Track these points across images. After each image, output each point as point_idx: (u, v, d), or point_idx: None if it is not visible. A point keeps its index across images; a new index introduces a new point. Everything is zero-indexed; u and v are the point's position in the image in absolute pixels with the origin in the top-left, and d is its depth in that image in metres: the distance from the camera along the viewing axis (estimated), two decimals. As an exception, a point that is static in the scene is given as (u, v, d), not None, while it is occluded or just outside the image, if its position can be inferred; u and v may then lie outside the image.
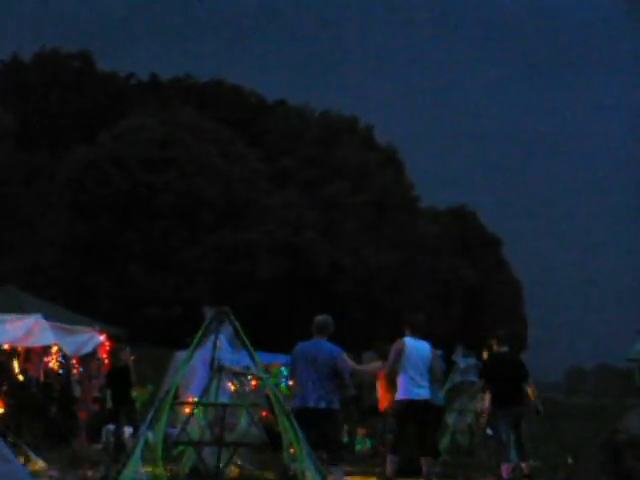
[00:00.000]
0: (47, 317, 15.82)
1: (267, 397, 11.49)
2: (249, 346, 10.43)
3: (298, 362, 10.70)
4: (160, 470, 9.80)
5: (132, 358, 16.27)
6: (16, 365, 17.23)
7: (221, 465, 10.26)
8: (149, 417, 9.94)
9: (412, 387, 11.11)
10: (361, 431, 17.50)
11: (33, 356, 17.44)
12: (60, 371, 17.54)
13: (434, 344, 12.36)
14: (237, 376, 11.59)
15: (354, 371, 13.16)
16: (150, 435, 9.73)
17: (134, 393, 16.39)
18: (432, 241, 51.87)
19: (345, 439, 17.55)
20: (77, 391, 17.52)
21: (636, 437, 13.17)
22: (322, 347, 10.93)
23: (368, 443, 17.31)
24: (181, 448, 10.98)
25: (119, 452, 12.90)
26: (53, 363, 17.35)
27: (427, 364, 11.35)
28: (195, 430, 10.66)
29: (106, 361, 17.27)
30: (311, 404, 10.64)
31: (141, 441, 9.71)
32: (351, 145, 51.55)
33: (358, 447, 17.39)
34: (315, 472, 9.60)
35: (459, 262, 54.45)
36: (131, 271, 41.67)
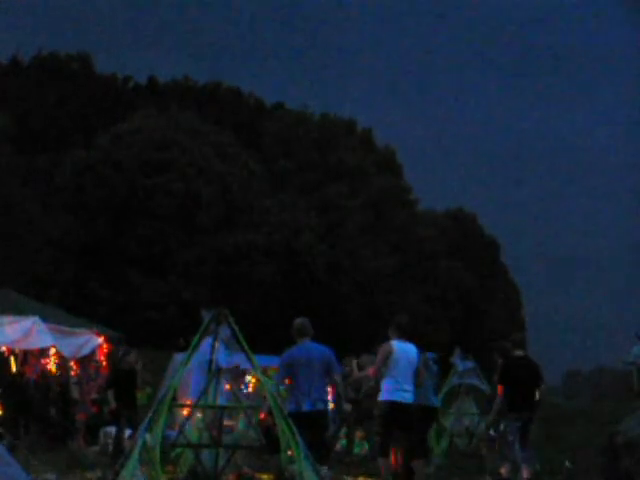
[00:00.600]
0: (45, 319, 15.82)
1: (265, 399, 11.49)
2: (247, 348, 10.43)
3: (293, 367, 10.72)
4: (158, 472, 9.79)
5: (140, 364, 16.24)
6: (14, 367, 17.23)
7: (219, 467, 10.26)
8: (147, 419, 9.94)
9: (396, 390, 11.10)
10: (359, 434, 17.48)
11: (31, 358, 17.43)
12: (58, 373, 17.53)
13: (432, 347, 12.37)
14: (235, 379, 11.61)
15: (356, 379, 13.20)
16: (148, 437, 9.72)
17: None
18: (430, 244, 51.88)
19: (343, 442, 17.55)
20: (75, 393, 17.52)
21: (634, 440, 13.18)
22: (314, 348, 10.99)
23: (366, 446, 17.29)
24: (179, 450, 10.98)
25: (118, 455, 12.89)
26: (51, 365, 17.34)
27: (414, 367, 11.33)
28: (193, 432, 10.66)
29: (104, 363, 17.28)
30: (309, 407, 10.66)
31: (139, 443, 9.70)
32: (349, 148, 51.58)
33: (356, 450, 17.37)
34: (313, 474, 9.59)
35: (457, 265, 54.46)
36: (129, 273, 41.67)
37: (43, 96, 51.45)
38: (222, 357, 10.82)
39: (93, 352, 17.07)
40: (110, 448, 15.41)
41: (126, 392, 15.25)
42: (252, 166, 46.69)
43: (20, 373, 17.28)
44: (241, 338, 10.34)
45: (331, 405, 18.47)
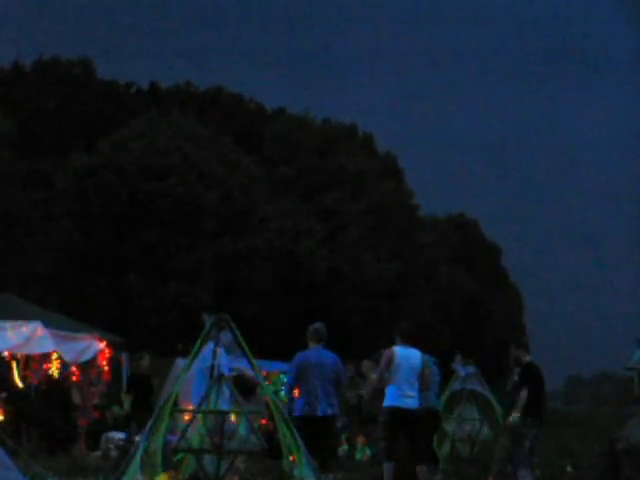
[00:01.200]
0: (46, 324, 15.83)
1: (267, 404, 11.51)
2: (249, 353, 10.44)
3: (305, 371, 10.75)
4: (159, 478, 9.79)
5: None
6: (15, 372, 17.23)
7: (221, 472, 10.25)
8: (149, 425, 9.95)
9: (399, 396, 11.13)
10: (361, 439, 17.48)
11: (33, 363, 17.46)
12: (60, 378, 17.53)
13: (433, 352, 12.39)
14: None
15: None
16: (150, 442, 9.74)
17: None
18: (431, 249, 51.87)
19: (345, 447, 17.55)
20: (77, 398, 17.53)
21: (635, 446, 13.18)
22: (326, 355, 11.03)
23: (368, 451, 17.29)
24: (180, 456, 10.99)
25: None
26: (53, 370, 17.35)
27: (417, 373, 11.35)
28: (195, 437, 10.67)
29: (105, 368, 17.29)
30: (320, 412, 10.70)
31: (141, 448, 9.71)
32: (350, 153, 51.56)
33: (358, 456, 17.37)
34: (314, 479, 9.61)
35: (459, 270, 54.44)
36: (130, 279, 41.66)
37: (44, 101, 51.49)
38: (225, 363, 10.83)
39: (95, 357, 17.08)
40: (112, 453, 15.40)
41: (142, 397, 15.17)
42: (253, 171, 46.69)
43: (22, 378, 17.30)
44: (243, 343, 10.35)
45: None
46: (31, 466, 12.02)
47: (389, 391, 11.20)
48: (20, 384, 17.27)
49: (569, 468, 15.47)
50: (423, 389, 11.57)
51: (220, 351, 10.61)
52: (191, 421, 10.55)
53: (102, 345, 17.12)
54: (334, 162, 50.04)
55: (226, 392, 10.78)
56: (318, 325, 11.27)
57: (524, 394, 12.11)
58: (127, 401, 15.62)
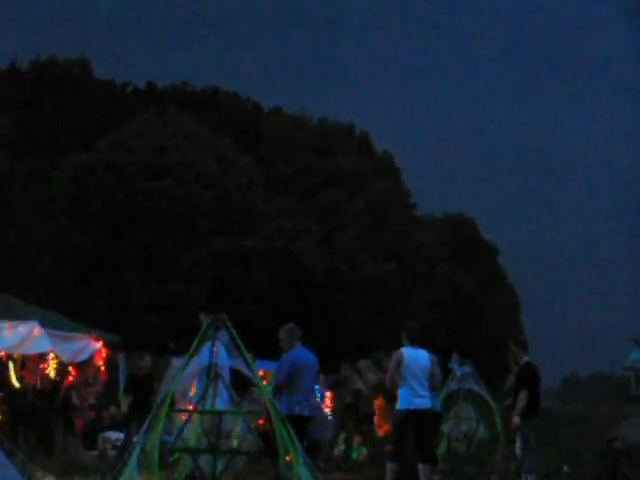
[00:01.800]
0: (43, 324, 15.81)
1: (264, 404, 11.51)
2: (245, 353, 10.45)
3: (298, 370, 10.78)
4: (156, 477, 9.80)
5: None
6: (12, 372, 17.22)
7: (217, 472, 10.26)
8: (146, 424, 9.95)
9: (412, 397, 11.14)
10: (357, 439, 17.50)
11: (29, 363, 17.43)
12: (57, 378, 17.51)
13: (430, 352, 12.39)
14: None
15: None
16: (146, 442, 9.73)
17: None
18: (429, 248, 51.90)
19: (341, 447, 17.56)
20: (74, 398, 17.52)
21: (633, 445, 13.22)
22: (310, 354, 11.11)
23: (364, 451, 17.30)
24: (177, 455, 10.99)
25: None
26: (49, 370, 17.33)
27: (426, 373, 11.37)
28: (191, 437, 10.67)
29: (102, 368, 17.27)
30: (308, 412, 10.73)
31: (137, 448, 9.71)
32: (347, 152, 51.58)
33: (354, 455, 17.39)
34: (311, 479, 9.61)
35: (456, 269, 54.48)
36: (127, 278, 41.64)
37: (42, 101, 51.44)
38: (226, 364, 10.83)
39: (91, 357, 17.06)
40: (109, 453, 15.40)
41: (142, 398, 15.06)
42: (250, 171, 46.67)
43: (19, 378, 17.28)
44: (240, 343, 10.36)
45: (328, 410, 18.53)
46: (28, 466, 12.02)
47: (401, 393, 11.21)
48: (17, 384, 17.26)
49: (566, 467, 15.50)
50: (433, 389, 11.63)
51: (220, 350, 10.61)
52: (187, 421, 10.55)
53: (99, 345, 17.10)
54: (331, 161, 50.06)
55: (224, 392, 10.79)
56: (293, 325, 11.43)
57: (522, 397, 12.12)
58: (125, 402, 15.53)
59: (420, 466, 11.39)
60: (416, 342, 11.41)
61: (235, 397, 10.99)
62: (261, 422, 12.96)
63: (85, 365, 17.19)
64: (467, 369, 19.42)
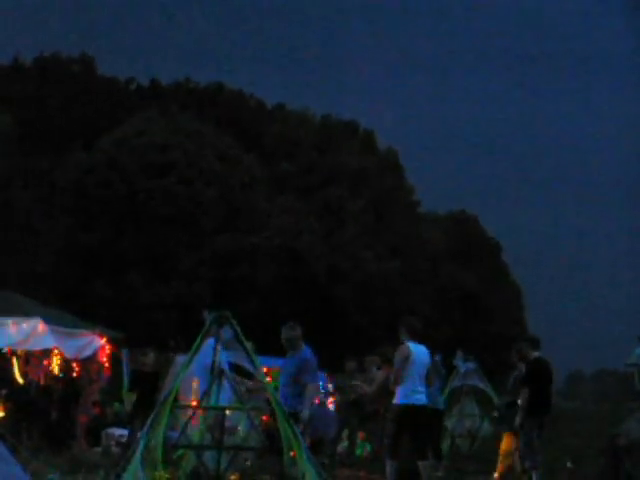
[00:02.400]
0: (47, 320, 15.83)
1: (267, 401, 11.51)
2: (249, 350, 10.44)
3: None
4: (160, 474, 9.80)
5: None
6: (16, 368, 17.24)
7: (221, 468, 10.26)
8: (149, 421, 9.95)
9: (412, 393, 11.12)
10: (361, 435, 17.50)
11: (33, 359, 17.46)
12: (60, 374, 17.54)
13: (434, 349, 12.38)
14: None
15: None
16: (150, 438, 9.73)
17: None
18: (432, 245, 51.86)
19: (345, 443, 17.57)
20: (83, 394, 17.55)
21: (636, 442, 13.18)
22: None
23: (368, 447, 17.31)
24: (181, 452, 10.99)
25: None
26: (53, 366, 17.36)
27: (427, 369, 11.37)
28: (196, 433, 10.67)
29: (106, 364, 17.29)
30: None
31: (141, 445, 9.70)
32: (351, 149, 51.51)
33: (358, 451, 17.39)
34: (315, 475, 9.60)
35: (459, 267, 54.44)
36: (130, 276, 41.65)
37: (44, 98, 51.42)
38: (224, 360, 10.84)
39: (95, 353, 17.07)
40: (113, 449, 15.40)
41: (147, 395, 15.02)
42: (253, 168, 46.65)
43: (23, 374, 17.31)
44: (243, 340, 10.35)
45: (332, 407, 18.55)
46: (31, 462, 12.02)
47: (402, 388, 11.17)
48: (21, 380, 17.28)
49: (569, 464, 15.48)
50: (428, 384, 11.61)
51: (219, 348, 10.61)
52: (191, 417, 10.56)
53: (103, 341, 17.12)
54: (334, 158, 50.00)
55: (227, 388, 10.79)
56: (295, 323, 11.55)
57: (524, 395, 12.12)
58: (128, 399, 15.51)
59: (420, 463, 11.38)
60: (416, 337, 11.38)
61: (239, 392, 10.99)
62: (265, 418, 12.95)
63: (89, 361, 17.21)
64: (471, 365, 19.44)
